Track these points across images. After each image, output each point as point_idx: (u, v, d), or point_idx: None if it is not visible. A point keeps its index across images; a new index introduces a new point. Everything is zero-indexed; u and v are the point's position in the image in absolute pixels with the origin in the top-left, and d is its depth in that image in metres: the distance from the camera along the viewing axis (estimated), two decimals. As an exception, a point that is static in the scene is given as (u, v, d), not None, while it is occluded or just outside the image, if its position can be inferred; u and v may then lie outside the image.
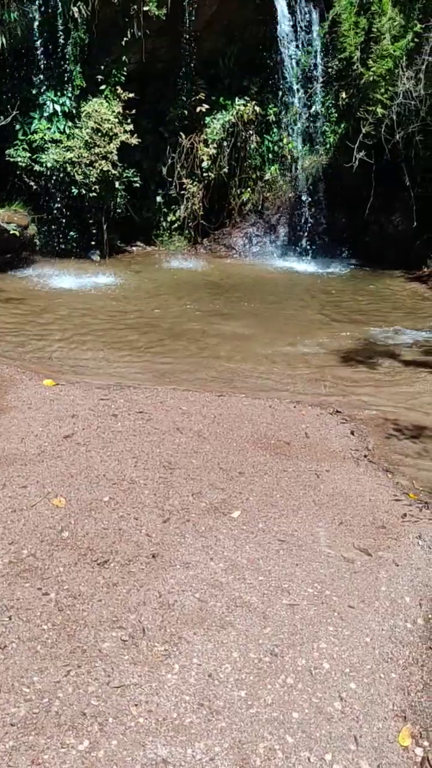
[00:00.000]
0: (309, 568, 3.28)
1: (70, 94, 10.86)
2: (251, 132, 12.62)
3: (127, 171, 11.80)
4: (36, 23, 10.11)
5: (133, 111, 11.39)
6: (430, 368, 6.70)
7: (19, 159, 10.72)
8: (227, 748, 2.26)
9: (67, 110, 10.91)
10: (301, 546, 3.47)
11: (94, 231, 11.67)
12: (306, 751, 2.27)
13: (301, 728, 2.36)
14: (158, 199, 12.96)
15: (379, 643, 2.81)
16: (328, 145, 12.65)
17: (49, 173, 10.90)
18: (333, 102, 12.35)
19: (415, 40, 10.07)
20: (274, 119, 12.86)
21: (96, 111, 10.95)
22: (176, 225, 13.26)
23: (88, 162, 10.93)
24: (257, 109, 12.33)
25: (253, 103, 12.27)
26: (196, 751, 2.24)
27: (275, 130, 12.97)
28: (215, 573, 3.19)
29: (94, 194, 11.22)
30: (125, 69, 11.20)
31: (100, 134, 10.96)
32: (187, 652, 2.68)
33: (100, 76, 11.11)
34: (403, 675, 2.65)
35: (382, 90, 10.41)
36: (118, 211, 11.98)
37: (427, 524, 3.77)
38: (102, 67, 11.11)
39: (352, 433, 5.03)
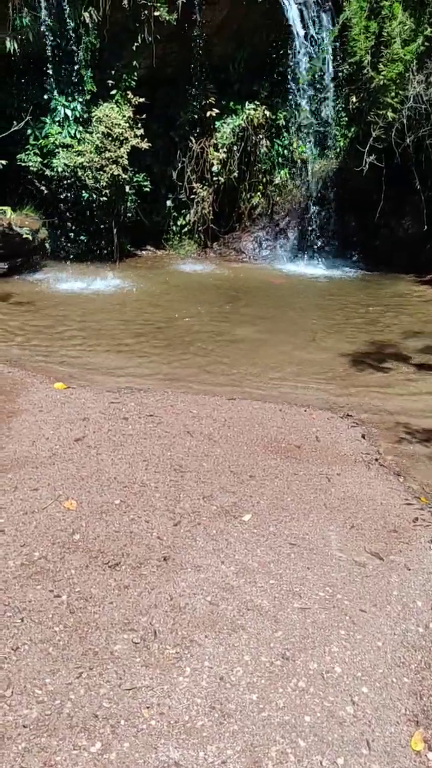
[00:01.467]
0: (320, 571, 3.27)
1: (81, 99, 10.91)
2: (261, 136, 12.64)
3: (137, 175, 11.85)
4: (47, 28, 10.17)
5: (144, 115, 11.44)
6: (441, 372, 6.68)
7: (30, 164, 10.78)
8: (239, 752, 2.25)
9: (78, 115, 10.96)
10: (312, 550, 3.46)
11: (105, 235, 11.72)
12: (318, 755, 2.26)
13: (313, 732, 2.35)
14: (168, 203, 13.00)
15: (392, 647, 2.80)
16: (338, 149, 12.65)
17: (59, 178, 10.95)
18: (343, 106, 12.35)
19: (426, 43, 10.06)
20: (284, 123, 12.87)
21: (107, 116, 10.99)
22: (186, 229, 13.29)
23: (98, 166, 10.98)
24: (267, 113, 12.36)
25: (263, 107, 12.30)
26: (208, 754, 2.23)
27: (285, 134, 12.98)
28: (226, 576, 3.19)
29: (105, 198, 11.27)
30: (136, 74, 11.25)
31: (110, 139, 11.00)
32: (199, 655, 2.67)
33: (110, 81, 11.16)
34: (415, 679, 2.64)
35: (393, 94, 10.41)
36: (129, 215, 12.03)
37: (438, 528, 3.76)
38: (113, 72, 11.16)
39: (363, 436, 5.02)
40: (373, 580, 3.24)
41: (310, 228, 12.96)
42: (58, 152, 10.83)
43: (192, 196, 12.80)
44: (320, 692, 2.53)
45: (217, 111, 12.16)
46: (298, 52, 11.92)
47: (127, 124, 11.16)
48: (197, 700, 2.45)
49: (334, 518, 3.81)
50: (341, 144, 12.56)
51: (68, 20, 10.21)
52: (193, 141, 12.41)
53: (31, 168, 10.79)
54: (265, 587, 3.12)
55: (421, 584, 3.22)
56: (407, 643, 2.82)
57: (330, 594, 3.09)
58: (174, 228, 13.28)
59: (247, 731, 2.34)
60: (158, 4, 10.51)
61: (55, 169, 10.81)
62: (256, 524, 3.68)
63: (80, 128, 11.02)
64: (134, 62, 11.14)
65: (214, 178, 12.60)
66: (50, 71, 10.54)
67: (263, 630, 2.83)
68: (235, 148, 12.44)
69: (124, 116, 11.13)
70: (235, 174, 12.69)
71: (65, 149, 10.85)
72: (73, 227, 11.48)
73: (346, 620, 2.92)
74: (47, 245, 11.21)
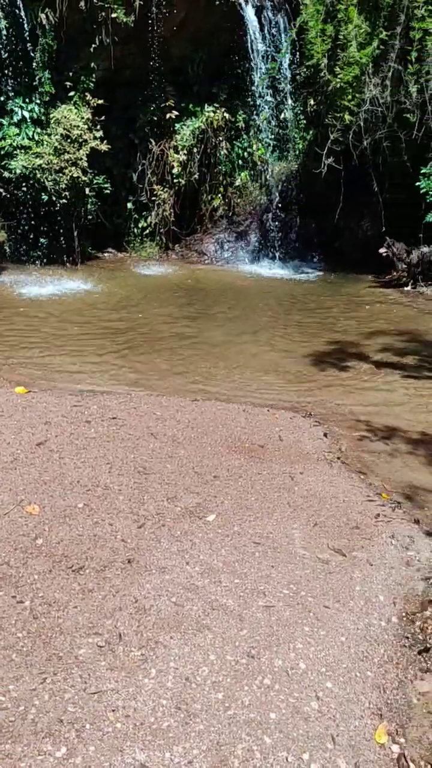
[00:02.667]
0: (284, 569, 3.29)
1: (38, 101, 10.82)
2: (221, 138, 12.69)
3: (97, 177, 11.79)
4: (3, 30, 10.06)
5: (103, 117, 11.39)
6: (401, 370, 6.79)
7: (-13, 166, 10.65)
8: (205, 751, 2.26)
9: (35, 116, 10.86)
10: (276, 548, 3.49)
11: (65, 238, 11.63)
12: (284, 751, 2.28)
13: (279, 728, 2.37)
14: (129, 205, 12.96)
15: (355, 642, 2.83)
16: (297, 152, 12.77)
17: (18, 180, 10.83)
18: (301, 109, 12.48)
19: (381, 47, 10.22)
20: (243, 126, 12.95)
21: (65, 117, 10.92)
22: (147, 231, 13.28)
23: (57, 168, 10.90)
24: (226, 115, 12.42)
25: (223, 109, 12.35)
26: (174, 754, 2.23)
27: (245, 136, 13.06)
28: (191, 577, 3.19)
29: (65, 201, 11.19)
30: (94, 75, 11.20)
31: (69, 141, 10.93)
32: (164, 656, 2.67)
33: (68, 83, 11.09)
34: (378, 673, 2.68)
35: (349, 97, 10.54)
36: (89, 217, 11.96)
37: (399, 524, 3.82)
38: (70, 74, 11.09)
39: (325, 435, 5.07)
40: (337, 576, 3.27)
41: (271, 229, 13.04)
42: (16, 154, 10.71)
43: (153, 198, 12.79)
44: (285, 689, 2.55)
45: (176, 113, 12.18)
46: (256, 54, 12.00)
47: (86, 126, 11.11)
48: (163, 701, 2.45)
49: (297, 516, 3.84)
50: (300, 146, 12.68)
51: (24, 21, 10.12)
52: (153, 143, 12.40)
53: (-11, 170, 10.66)
54: (230, 586, 3.13)
55: (383, 579, 3.27)
56: (370, 638, 2.86)
57: (294, 591, 3.12)
58: (135, 230, 13.25)
59: (213, 730, 2.34)
60: (115, 6, 10.49)
61: (13, 171, 10.70)
62: (220, 524, 3.69)
63: (38, 130, 10.93)
64: (92, 64, 11.09)
65: (175, 180, 12.61)
66: (7, 73, 10.43)
67: (228, 629, 2.84)
68: (195, 150, 12.46)
69: (82, 118, 11.07)
70: (196, 176, 12.71)
71: (23, 151, 10.74)
72: (33, 230, 11.37)
73: (310, 617, 2.95)
74: (7, 248, 11.09)
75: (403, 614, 3.02)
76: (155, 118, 12.28)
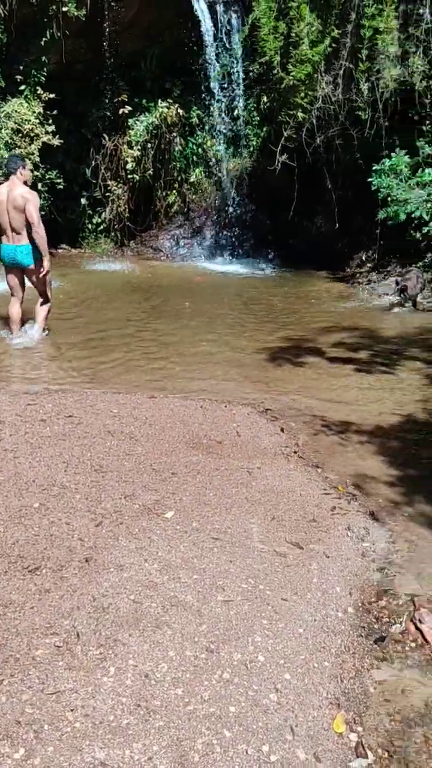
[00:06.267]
0: (243, 564, 3.31)
1: (-12, 95, 10.62)
2: (175, 134, 12.66)
3: (49, 172, 11.63)
4: None
5: (54, 112, 11.24)
6: (354, 365, 6.88)
7: None
8: (165, 747, 2.25)
9: (-15, 111, 10.66)
10: (234, 543, 3.50)
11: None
12: (243, 744, 2.29)
13: (238, 722, 2.38)
14: (83, 201, 12.84)
15: (312, 633, 2.86)
16: (251, 148, 12.82)
17: (-32, 175, 10.61)
18: (255, 106, 12.52)
19: (333, 45, 10.32)
20: (197, 122, 12.93)
21: (16, 111, 10.74)
22: (102, 227, 13.17)
23: (8, 163, 10.70)
24: (180, 111, 12.39)
25: (176, 105, 12.32)
26: (134, 751, 2.23)
27: (199, 132, 13.05)
28: (150, 574, 3.18)
29: (16, 196, 10.99)
30: (45, 69, 11.05)
31: (20, 135, 10.76)
32: (123, 654, 2.66)
33: (19, 77, 10.90)
34: (335, 663, 2.71)
35: (302, 94, 10.62)
36: (42, 213, 11.77)
37: (355, 516, 3.87)
38: (21, 67, 10.91)
39: (282, 430, 5.11)
40: (294, 569, 3.30)
41: (226, 226, 13.07)
42: (-34, 149, 10.49)
43: (107, 194, 12.70)
44: (244, 682, 2.56)
45: (129, 108, 12.09)
46: (209, 50, 11.99)
47: (38, 120, 10.95)
48: (122, 699, 2.44)
49: (255, 511, 3.86)
50: (254, 143, 12.73)
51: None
52: (107, 138, 12.31)
53: None
54: (189, 582, 3.13)
55: (340, 570, 3.31)
56: (327, 628, 2.90)
57: (252, 585, 3.14)
58: (89, 226, 13.13)
59: (173, 726, 2.34)
60: (67, -1, 10.36)
61: (-38, 166, 10.46)
62: (178, 521, 3.69)
63: (-12, 124, 10.72)
64: (43, 58, 10.94)
65: (129, 176, 12.53)
66: None
67: (187, 625, 2.84)
68: (149, 146, 12.41)
69: (34, 112, 10.91)
70: (150, 172, 12.66)
71: (-27, 146, 10.53)
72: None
73: (268, 610, 2.97)
74: None
75: (360, 604, 3.07)
76: (108, 113, 12.18)
